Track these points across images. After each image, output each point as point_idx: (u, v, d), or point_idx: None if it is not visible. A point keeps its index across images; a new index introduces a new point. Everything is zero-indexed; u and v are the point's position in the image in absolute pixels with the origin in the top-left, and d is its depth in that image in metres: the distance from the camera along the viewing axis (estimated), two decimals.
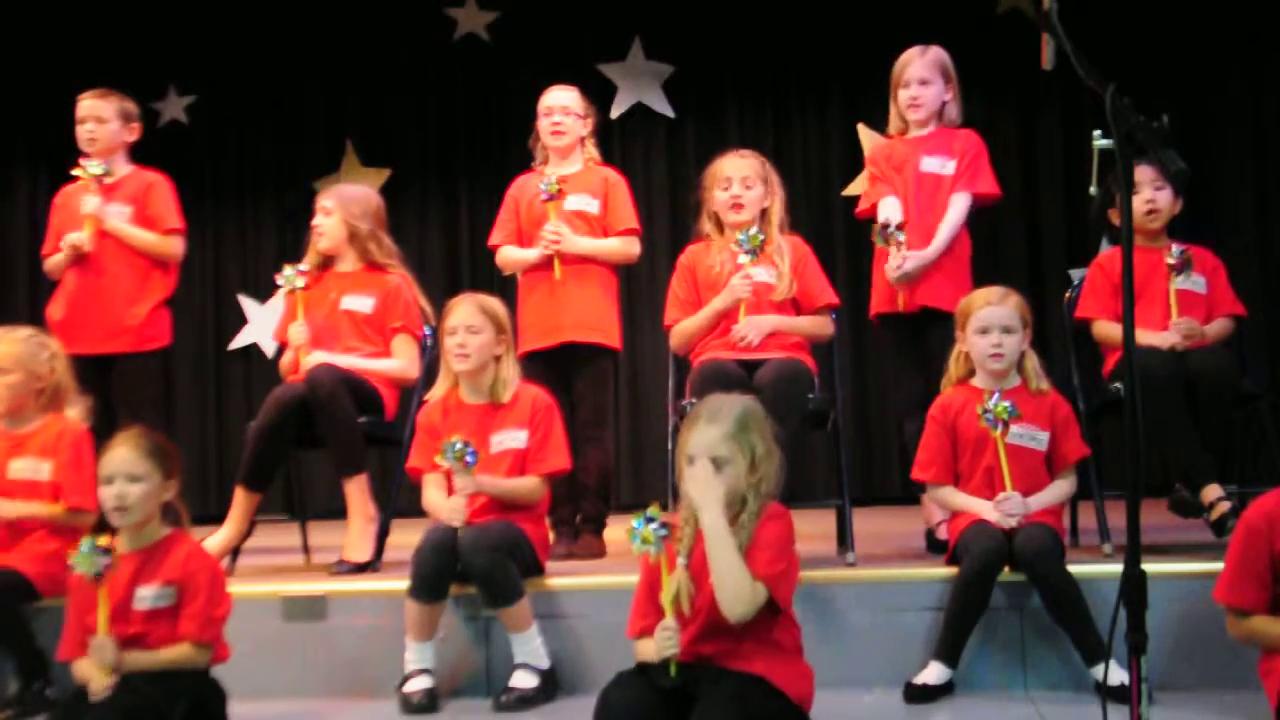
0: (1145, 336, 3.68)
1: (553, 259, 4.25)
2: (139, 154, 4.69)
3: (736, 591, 2.57)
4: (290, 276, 4.21)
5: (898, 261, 4.01)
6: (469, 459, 3.38)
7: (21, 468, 3.64)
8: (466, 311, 3.57)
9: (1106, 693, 2.75)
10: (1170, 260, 3.82)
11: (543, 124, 4.43)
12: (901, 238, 4.02)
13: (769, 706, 2.57)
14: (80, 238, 4.42)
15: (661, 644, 2.61)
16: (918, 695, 3.19)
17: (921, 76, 4.14)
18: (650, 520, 2.64)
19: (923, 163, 4.12)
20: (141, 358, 4.52)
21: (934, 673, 3.22)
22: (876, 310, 4.19)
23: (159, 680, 2.85)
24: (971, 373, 3.55)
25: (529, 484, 3.54)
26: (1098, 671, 3.08)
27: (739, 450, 2.66)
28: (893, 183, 4.15)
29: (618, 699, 2.59)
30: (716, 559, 2.58)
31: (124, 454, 2.96)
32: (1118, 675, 2.91)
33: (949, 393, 3.57)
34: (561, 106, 4.41)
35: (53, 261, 4.54)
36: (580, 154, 4.46)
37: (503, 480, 3.49)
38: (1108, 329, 3.89)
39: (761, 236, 3.86)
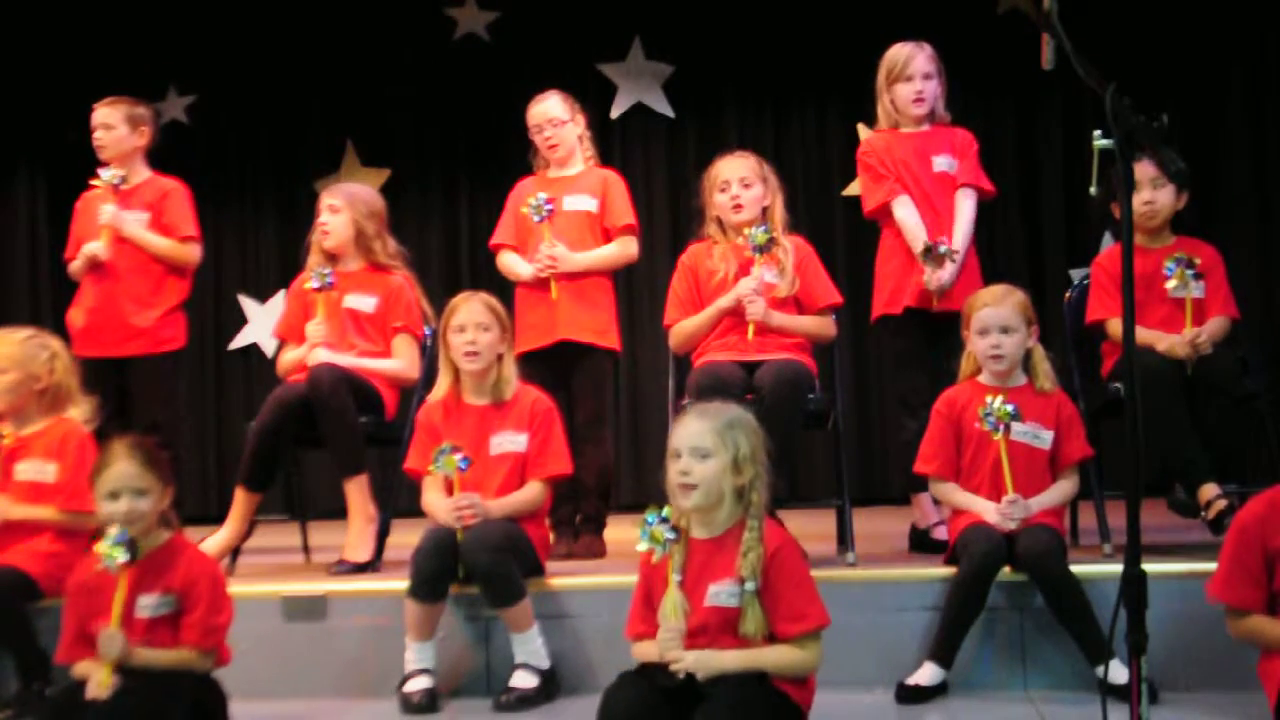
0: (1158, 340, 3.67)
1: (549, 279, 4.25)
2: None
3: (797, 674, 2.64)
4: (323, 274, 4.18)
5: (941, 274, 3.93)
6: (461, 466, 3.37)
7: (26, 469, 3.63)
8: (474, 309, 3.57)
9: (1109, 692, 2.71)
10: (1172, 282, 3.74)
11: (537, 140, 4.43)
12: (957, 255, 3.97)
13: (771, 707, 2.57)
14: (97, 247, 4.48)
15: (665, 645, 2.61)
16: (910, 696, 3.20)
17: (925, 71, 4.14)
18: (664, 520, 2.65)
19: (934, 162, 4.10)
20: (156, 360, 4.57)
21: (927, 673, 3.23)
22: (904, 305, 4.05)
23: (159, 683, 2.83)
24: (980, 370, 3.55)
25: (532, 494, 3.54)
26: (1102, 671, 3.06)
27: (722, 445, 2.66)
28: (902, 181, 4.10)
29: (620, 699, 2.59)
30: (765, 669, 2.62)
31: (127, 469, 2.91)
32: (1121, 675, 2.90)
33: (955, 388, 3.57)
34: (549, 120, 4.39)
35: (73, 267, 4.62)
36: (580, 154, 4.46)
37: (508, 501, 3.48)
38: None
39: (769, 234, 3.86)
